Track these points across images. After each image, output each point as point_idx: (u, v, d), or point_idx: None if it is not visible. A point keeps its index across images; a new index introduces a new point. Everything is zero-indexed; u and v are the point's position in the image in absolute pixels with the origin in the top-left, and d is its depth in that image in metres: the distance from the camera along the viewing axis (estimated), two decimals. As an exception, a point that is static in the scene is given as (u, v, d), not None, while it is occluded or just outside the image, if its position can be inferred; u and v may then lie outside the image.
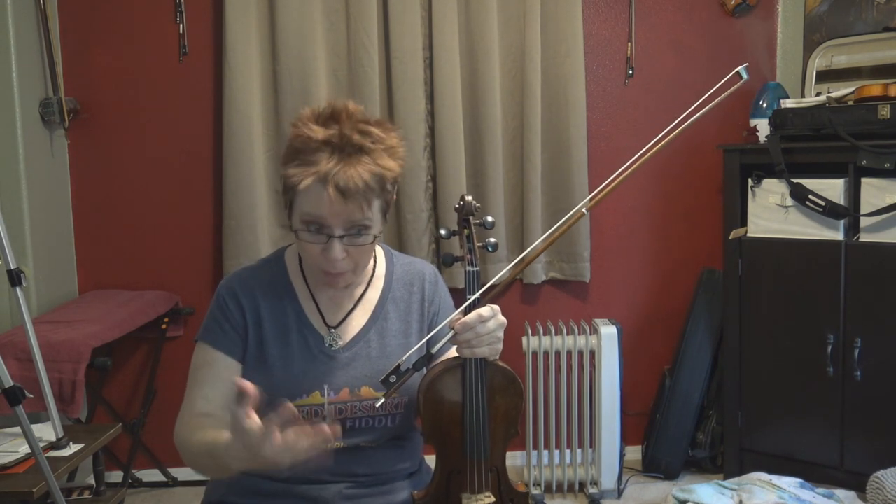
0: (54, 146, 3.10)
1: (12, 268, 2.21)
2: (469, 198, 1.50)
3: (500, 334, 1.40)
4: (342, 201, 1.35)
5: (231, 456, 1.21)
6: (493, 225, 1.48)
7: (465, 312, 1.38)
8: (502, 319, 1.40)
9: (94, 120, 3.17)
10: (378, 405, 1.42)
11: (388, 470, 1.55)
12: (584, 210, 1.40)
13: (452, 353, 1.47)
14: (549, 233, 1.43)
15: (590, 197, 1.40)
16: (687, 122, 1.40)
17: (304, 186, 1.35)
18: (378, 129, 1.40)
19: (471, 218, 1.50)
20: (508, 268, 1.48)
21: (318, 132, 1.37)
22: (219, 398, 1.44)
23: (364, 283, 1.58)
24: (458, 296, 1.48)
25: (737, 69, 1.41)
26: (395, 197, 1.49)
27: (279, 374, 1.47)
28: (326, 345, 1.51)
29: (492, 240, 1.48)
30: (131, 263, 3.25)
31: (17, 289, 2.22)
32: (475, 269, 1.44)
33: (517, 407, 1.48)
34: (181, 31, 3.16)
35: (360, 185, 1.35)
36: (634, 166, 1.41)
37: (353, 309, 1.55)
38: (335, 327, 1.53)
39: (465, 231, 1.49)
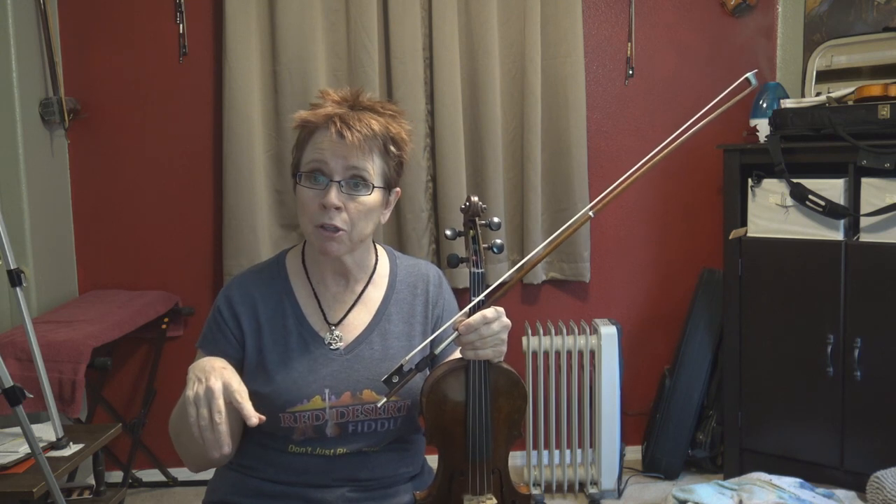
0: (54, 146, 3.10)
1: (12, 268, 2.20)
2: (475, 198, 1.49)
3: (504, 336, 1.40)
4: (343, 142, 1.41)
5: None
6: (499, 226, 1.48)
7: (470, 314, 1.38)
8: (506, 321, 1.39)
9: (94, 120, 3.16)
10: (380, 405, 1.42)
11: (391, 474, 1.55)
12: (591, 213, 1.39)
13: (456, 354, 1.47)
14: (556, 234, 1.42)
15: (598, 199, 1.39)
16: (696, 128, 1.39)
17: (317, 121, 1.44)
18: (387, 104, 1.52)
19: (477, 219, 1.49)
20: (514, 269, 1.47)
21: (337, 94, 1.49)
22: None
23: (365, 279, 1.57)
24: (462, 296, 1.48)
25: (745, 76, 1.38)
26: (400, 173, 1.54)
27: (280, 380, 1.47)
28: (327, 344, 1.51)
29: (498, 241, 1.48)
30: (131, 263, 3.25)
31: (17, 289, 2.21)
32: (480, 270, 1.43)
33: (520, 409, 1.48)
34: (181, 31, 3.15)
35: (364, 130, 1.43)
36: (642, 170, 1.40)
37: (353, 306, 1.55)
38: (336, 325, 1.53)
39: (471, 232, 1.48)
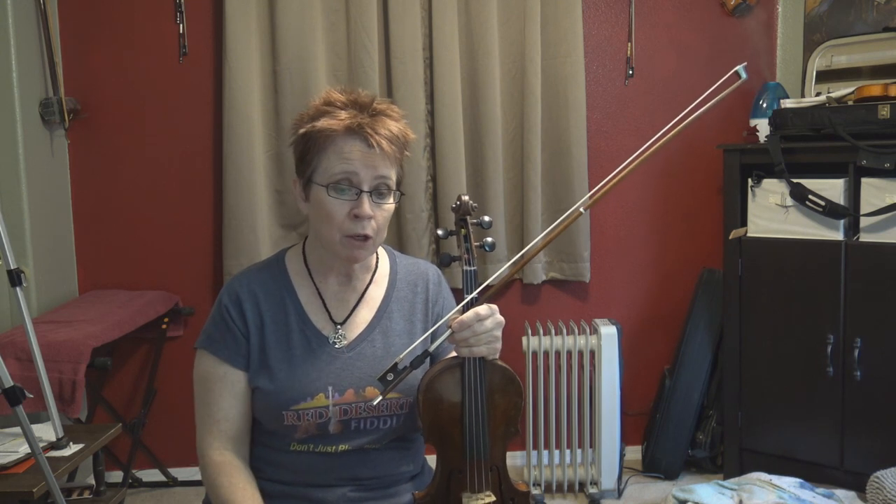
0: (54, 146, 3.10)
1: (12, 268, 2.21)
2: (466, 197, 1.51)
3: (498, 333, 1.40)
4: (372, 152, 1.42)
5: None
6: (490, 224, 1.49)
7: (463, 311, 1.39)
8: (500, 319, 1.40)
9: (94, 120, 3.17)
10: (375, 403, 1.42)
11: (392, 472, 1.55)
12: (581, 209, 1.40)
13: (453, 353, 1.47)
14: (546, 232, 1.43)
15: (588, 196, 1.40)
16: (685, 123, 1.40)
17: (340, 129, 1.42)
18: (392, 105, 1.53)
19: (468, 218, 1.50)
20: (506, 267, 1.48)
21: (342, 96, 1.49)
22: (236, 415, 1.49)
23: (367, 278, 1.58)
24: (458, 295, 1.48)
25: (735, 69, 1.40)
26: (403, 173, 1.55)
27: (283, 378, 1.47)
28: (330, 342, 1.51)
29: (489, 239, 1.49)
30: (131, 263, 3.25)
31: (17, 289, 2.22)
32: (472, 268, 1.44)
33: (517, 406, 1.48)
34: (181, 31, 3.16)
35: (390, 134, 1.44)
36: (632, 166, 1.41)
37: (357, 304, 1.56)
38: (341, 324, 1.53)
39: (462, 231, 1.49)
